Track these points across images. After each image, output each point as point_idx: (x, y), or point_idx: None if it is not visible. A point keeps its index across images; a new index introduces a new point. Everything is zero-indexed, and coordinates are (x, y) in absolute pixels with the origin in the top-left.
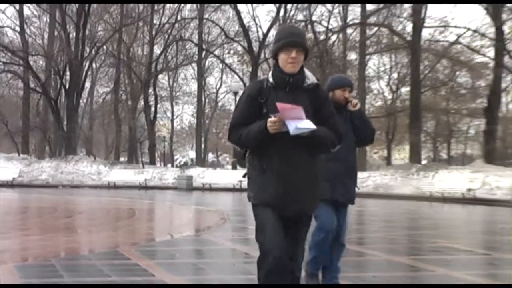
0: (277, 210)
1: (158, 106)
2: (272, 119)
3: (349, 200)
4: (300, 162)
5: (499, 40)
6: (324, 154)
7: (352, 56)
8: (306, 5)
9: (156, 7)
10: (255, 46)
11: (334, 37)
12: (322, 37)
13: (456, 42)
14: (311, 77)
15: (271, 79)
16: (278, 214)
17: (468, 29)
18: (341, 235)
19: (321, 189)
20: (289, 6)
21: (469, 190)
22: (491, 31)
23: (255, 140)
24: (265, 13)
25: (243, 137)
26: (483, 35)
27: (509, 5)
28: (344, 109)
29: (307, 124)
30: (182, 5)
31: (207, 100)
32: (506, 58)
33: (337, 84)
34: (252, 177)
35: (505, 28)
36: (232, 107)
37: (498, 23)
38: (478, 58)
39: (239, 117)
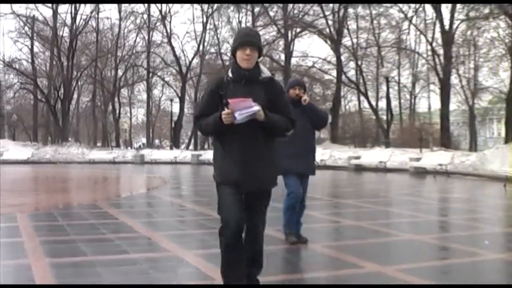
0: (237, 187)
1: (121, 109)
2: (224, 111)
3: (310, 172)
4: (256, 146)
5: (338, 65)
6: (280, 137)
7: None
8: (216, 41)
9: (119, 44)
10: (184, 70)
11: None
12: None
13: (313, 66)
14: (266, 72)
15: (230, 74)
16: (239, 191)
17: (319, 58)
18: (303, 199)
19: (283, 165)
20: (206, 44)
21: (321, 160)
22: (333, 59)
23: (213, 128)
24: (190, 48)
25: (204, 126)
26: (329, 62)
27: (346, 42)
28: (300, 104)
29: (250, 109)
30: (137, 41)
31: (153, 105)
32: (343, 77)
33: (289, 85)
34: (216, 160)
35: (342, 58)
36: (170, 110)
37: (337, 54)
38: (326, 77)
39: (202, 109)
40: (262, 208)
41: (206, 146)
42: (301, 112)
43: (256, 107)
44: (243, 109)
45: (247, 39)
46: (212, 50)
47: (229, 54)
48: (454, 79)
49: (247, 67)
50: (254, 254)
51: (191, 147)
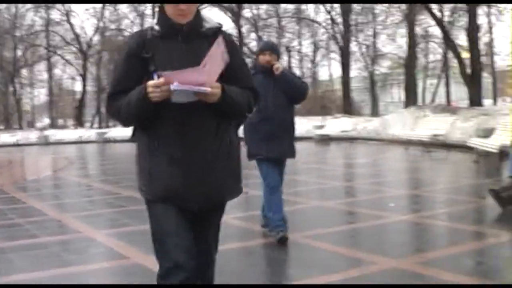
0: (180, 204)
1: (23, 90)
2: (152, 81)
3: (285, 155)
4: (208, 137)
5: (239, 37)
6: (240, 119)
7: None
8: (116, 17)
9: (16, 23)
10: (84, 47)
11: None
12: None
13: None
14: (210, 21)
15: (157, 27)
16: (182, 210)
17: None
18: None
19: (254, 150)
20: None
21: None
22: (235, 31)
23: (136, 111)
24: (90, 25)
25: (124, 110)
26: (230, 34)
27: (246, 14)
28: (272, 74)
29: (197, 87)
30: (36, 20)
31: (55, 85)
32: (245, 48)
33: (259, 49)
34: (142, 163)
35: (243, 30)
36: (72, 89)
37: (238, 26)
38: None
39: (118, 83)
40: (218, 223)
41: (110, 124)
42: (273, 83)
43: (208, 89)
44: (186, 83)
45: None
46: (113, 26)
47: (129, 30)
48: (353, 47)
49: (182, 22)
50: (206, 281)
51: (95, 125)
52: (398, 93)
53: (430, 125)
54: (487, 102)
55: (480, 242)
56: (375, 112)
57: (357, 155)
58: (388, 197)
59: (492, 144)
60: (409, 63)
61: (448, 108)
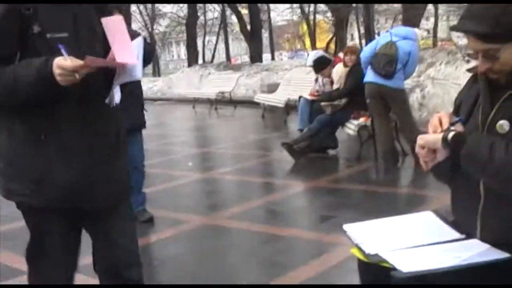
0: (71, 209)
1: None
2: (67, 63)
3: (136, 125)
4: (104, 120)
5: None
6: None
7: None
8: None
9: None
10: None
11: None
12: None
13: None
14: None
15: None
16: (71, 215)
17: None
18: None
19: None
20: None
21: None
22: None
23: (33, 90)
24: None
25: (11, 86)
26: None
27: None
28: None
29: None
30: None
31: None
32: None
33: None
34: (13, 156)
35: None
36: None
37: None
38: None
39: None
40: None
41: None
42: None
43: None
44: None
45: None
46: None
47: None
48: (133, 6)
49: None
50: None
51: None
52: (177, 51)
53: (215, 83)
54: (266, 56)
55: (275, 194)
56: (156, 72)
57: (145, 116)
58: (184, 157)
59: (277, 99)
60: (189, 21)
61: (231, 65)
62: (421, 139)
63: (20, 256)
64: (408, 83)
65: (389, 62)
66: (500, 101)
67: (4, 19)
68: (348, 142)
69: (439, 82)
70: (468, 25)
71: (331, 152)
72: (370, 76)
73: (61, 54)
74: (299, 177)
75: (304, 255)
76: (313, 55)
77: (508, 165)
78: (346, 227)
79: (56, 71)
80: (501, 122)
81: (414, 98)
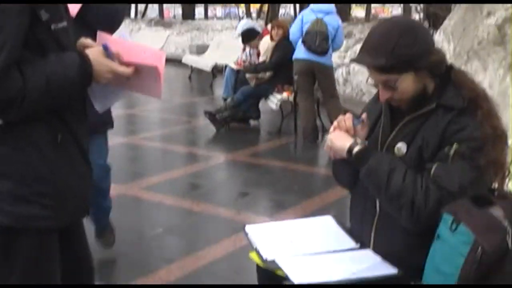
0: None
1: None
2: (123, 69)
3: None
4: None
5: None
6: None
7: None
8: None
9: None
10: None
11: None
12: None
13: None
14: None
15: None
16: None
17: None
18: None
19: None
20: None
21: None
22: None
23: (67, 92)
24: None
25: (42, 89)
26: None
27: None
28: None
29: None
30: None
31: None
32: None
33: None
34: (32, 171)
35: None
36: None
37: None
38: None
39: (13, 49)
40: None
41: None
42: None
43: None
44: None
45: None
46: None
47: None
48: None
49: None
50: None
51: None
52: None
53: (146, 39)
54: (200, 11)
55: (196, 165)
56: None
57: None
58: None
59: (204, 63)
60: None
61: (163, 21)
62: (330, 140)
63: None
64: (335, 60)
65: (325, 39)
66: (399, 125)
67: (21, 13)
68: (271, 115)
69: None
70: (366, 59)
71: (253, 122)
72: (301, 52)
73: (64, 49)
74: (220, 148)
75: (216, 234)
76: (242, 25)
77: (401, 195)
78: (248, 228)
79: (106, 75)
80: (399, 145)
81: (339, 74)
